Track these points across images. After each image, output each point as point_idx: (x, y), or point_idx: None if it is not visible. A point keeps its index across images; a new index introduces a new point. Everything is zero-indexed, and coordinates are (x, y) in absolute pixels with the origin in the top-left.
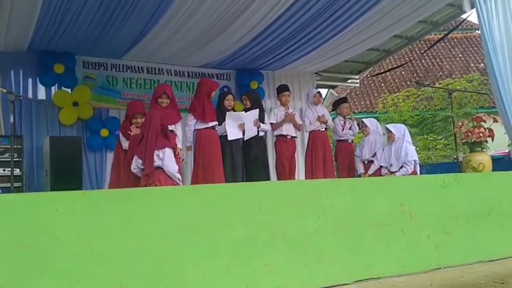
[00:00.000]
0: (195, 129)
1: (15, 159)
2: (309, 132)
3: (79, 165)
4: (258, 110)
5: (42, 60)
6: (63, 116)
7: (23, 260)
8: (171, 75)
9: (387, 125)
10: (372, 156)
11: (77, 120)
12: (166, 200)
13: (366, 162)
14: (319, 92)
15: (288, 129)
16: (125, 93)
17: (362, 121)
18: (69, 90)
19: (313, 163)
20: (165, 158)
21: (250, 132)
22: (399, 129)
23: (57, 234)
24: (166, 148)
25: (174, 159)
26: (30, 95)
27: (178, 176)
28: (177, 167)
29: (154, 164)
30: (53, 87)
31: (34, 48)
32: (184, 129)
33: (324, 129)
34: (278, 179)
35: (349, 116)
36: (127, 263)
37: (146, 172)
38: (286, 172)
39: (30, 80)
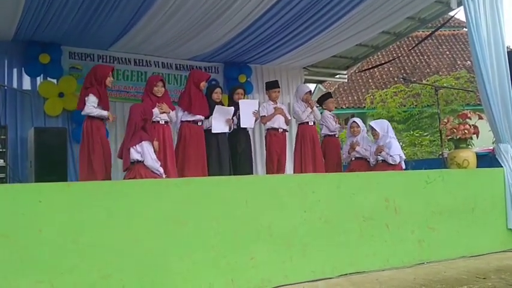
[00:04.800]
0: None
1: None
2: (298, 126)
3: (63, 156)
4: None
5: (27, 50)
6: (48, 107)
7: (5, 250)
8: (159, 67)
9: (370, 123)
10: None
11: (63, 111)
12: (152, 192)
13: (353, 159)
14: (310, 91)
15: (279, 122)
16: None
17: (354, 121)
18: (55, 80)
19: (302, 157)
20: (143, 152)
21: (247, 121)
22: (382, 127)
23: (41, 225)
24: (143, 142)
25: (153, 152)
26: (15, 85)
27: (158, 167)
28: (158, 161)
29: (133, 158)
30: (38, 78)
31: (20, 37)
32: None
33: (313, 123)
34: (267, 173)
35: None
36: (111, 255)
37: (124, 168)
38: (275, 166)
39: (15, 70)
